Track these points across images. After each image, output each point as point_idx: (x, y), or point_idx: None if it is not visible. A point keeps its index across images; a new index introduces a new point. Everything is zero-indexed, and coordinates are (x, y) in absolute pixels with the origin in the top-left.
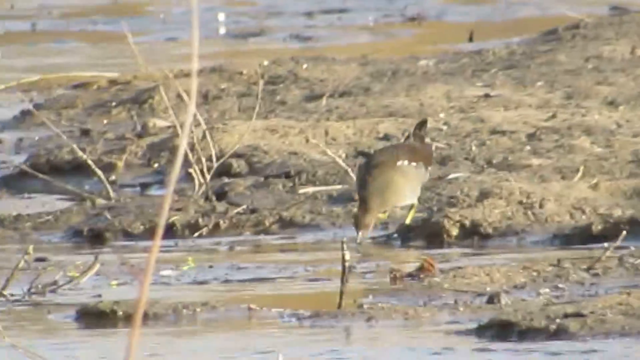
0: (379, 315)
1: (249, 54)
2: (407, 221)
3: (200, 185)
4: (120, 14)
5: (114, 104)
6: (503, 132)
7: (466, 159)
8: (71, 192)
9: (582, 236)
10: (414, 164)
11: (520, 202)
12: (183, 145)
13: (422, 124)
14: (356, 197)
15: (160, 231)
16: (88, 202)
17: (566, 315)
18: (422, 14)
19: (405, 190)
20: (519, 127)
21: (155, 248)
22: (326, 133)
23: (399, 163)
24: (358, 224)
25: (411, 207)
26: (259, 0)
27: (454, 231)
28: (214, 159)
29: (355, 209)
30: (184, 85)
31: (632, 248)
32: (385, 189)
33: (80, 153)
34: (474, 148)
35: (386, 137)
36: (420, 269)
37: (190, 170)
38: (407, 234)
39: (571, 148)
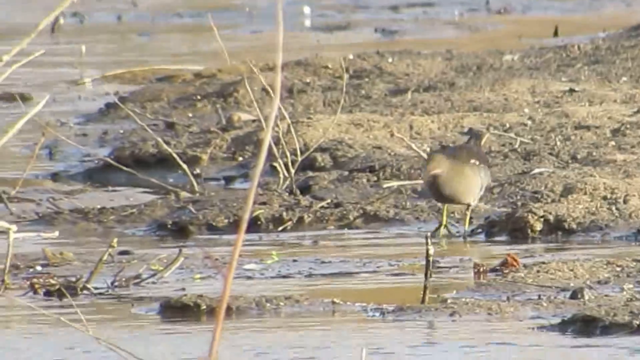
0: (462, 310)
1: (334, 47)
2: (466, 226)
3: (285, 179)
4: (206, 7)
5: (198, 97)
6: (587, 127)
7: (550, 154)
8: (155, 185)
9: None
10: (482, 165)
11: (605, 198)
12: (267, 138)
13: (479, 136)
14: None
15: (244, 225)
16: (172, 195)
17: None
18: (508, 8)
19: (472, 187)
20: (604, 122)
21: (239, 242)
22: (410, 127)
23: (472, 161)
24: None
25: (468, 207)
26: None
27: (538, 226)
28: (299, 153)
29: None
30: (269, 78)
31: None
32: (456, 182)
33: (164, 146)
34: (558, 143)
35: (470, 132)
36: (504, 264)
37: (275, 164)
38: (491, 229)
39: None
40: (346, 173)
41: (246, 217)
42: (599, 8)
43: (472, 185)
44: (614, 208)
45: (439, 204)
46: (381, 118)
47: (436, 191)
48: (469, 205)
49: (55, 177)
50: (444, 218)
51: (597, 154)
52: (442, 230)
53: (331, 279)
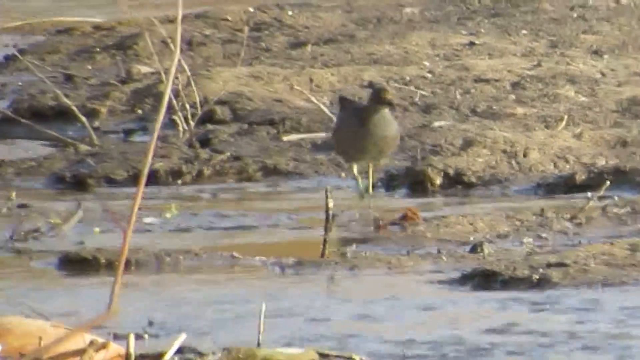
0: (362, 264)
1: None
2: (371, 184)
3: (184, 132)
4: None
5: (98, 49)
6: (487, 81)
7: (450, 107)
8: (54, 138)
9: (565, 185)
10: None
11: (504, 151)
12: (167, 92)
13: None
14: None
15: (143, 179)
16: (71, 148)
17: (549, 265)
18: None
19: (396, 141)
20: (504, 76)
21: (139, 196)
22: (311, 80)
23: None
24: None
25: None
26: None
27: (438, 180)
28: (198, 106)
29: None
30: (169, 31)
31: (616, 198)
32: (391, 126)
33: (63, 99)
34: (458, 96)
35: (370, 85)
36: (404, 217)
37: (174, 117)
38: (391, 183)
39: (555, 97)
40: (246, 126)
41: (146, 171)
42: None
43: (398, 136)
44: (513, 162)
45: (349, 162)
46: (281, 71)
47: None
48: (380, 162)
49: None
50: (357, 176)
51: (497, 107)
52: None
53: (231, 233)
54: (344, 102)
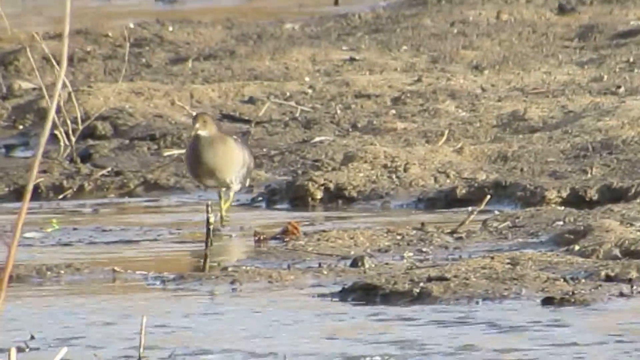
0: (243, 278)
1: (114, 15)
2: (224, 212)
3: (65, 147)
4: None
5: None
6: (368, 96)
7: (331, 122)
8: None
9: (446, 200)
10: (246, 147)
11: (385, 166)
12: (53, 107)
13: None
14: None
15: (28, 194)
16: None
17: (430, 279)
18: None
19: (234, 160)
20: (384, 91)
21: (24, 211)
22: (191, 96)
23: (235, 137)
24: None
25: (229, 189)
26: None
27: (319, 194)
28: (79, 121)
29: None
30: (50, 47)
31: (496, 212)
32: (219, 150)
33: None
34: (339, 111)
35: (251, 101)
36: (285, 232)
37: (56, 132)
38: (272, 197)
39: (436, 112)
40: (127, 141)
41: (31, 185)
42: None
43: (235, 158)
44: (394, 176)
45: (205, 186)
46: (162, 87)
47: (196, 157)
48: (229, 186)
49: None
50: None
51: (377, 122)
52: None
53: (112, 247)
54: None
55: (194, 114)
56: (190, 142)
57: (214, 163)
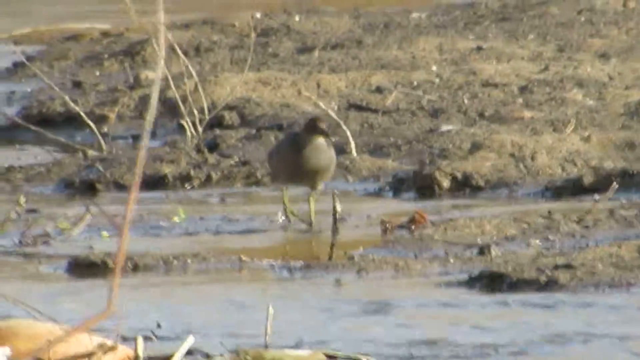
0: (369, 267)
1: (241, 5)
2: (313, 217)
3: (192, 137)
4: None
5: (106, 56)
6: (495, 85)
7: (458, 111)
8: (63, 144)
9: (573, 188)
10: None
11: (512, 155)
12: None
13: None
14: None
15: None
16: (80, 153)
17: (556, 267)
18: None
19: (332, 167)
20: (511, 80)
21: (133, 199)
22: (318, 85)
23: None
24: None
25: (313, 193)
26: None
27: (446, 183)
28: (206, 111)
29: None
30: (176, 37)
31: (623, 200)
32: (325, 154)
33: (72, 105)
34: (465, 101)
35: (378, 90)
36: (412, 221)
37: (182, 122)
38: (399, 186)
39: (563, 101)
40: (254, 131)
41: (138, 175)
42: None
43: (332, 165)
44: (521, 165)
45: (283, 186)
46: (289, 76)
47: (305, 160)
48: (316, 187)
49: None
50: (287, 202)
51: (504, 111)
52: (291, 217)
53: (239, 237)
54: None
55: (312, 116)
56: (298, 145)
57: (318, 168)
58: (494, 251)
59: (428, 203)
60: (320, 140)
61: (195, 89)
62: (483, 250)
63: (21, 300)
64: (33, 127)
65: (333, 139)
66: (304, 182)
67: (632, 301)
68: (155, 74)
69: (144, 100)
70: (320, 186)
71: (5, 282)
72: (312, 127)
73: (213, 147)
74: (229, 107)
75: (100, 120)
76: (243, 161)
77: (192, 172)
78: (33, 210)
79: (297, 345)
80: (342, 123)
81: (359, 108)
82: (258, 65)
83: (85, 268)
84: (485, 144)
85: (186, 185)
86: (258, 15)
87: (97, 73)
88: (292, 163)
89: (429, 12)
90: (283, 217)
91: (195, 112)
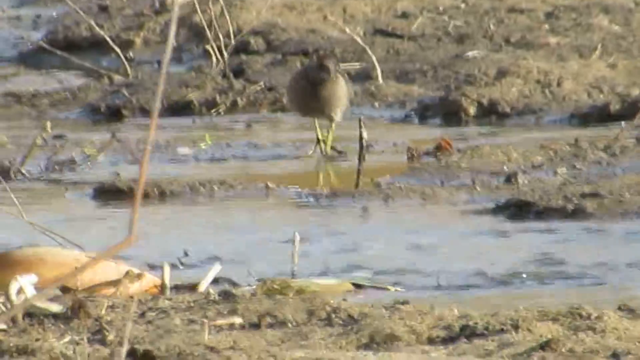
0: (396, 195)
1: None
2: (328, 147)
3: (218, 62)
4: None
5: None
6: (521, 11)
7: (484, 37)
8: (89, 68)
9: (599, 115)
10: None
11: (538, 81)
12: (174, 18)
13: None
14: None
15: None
16: (106, 78)
17: (584, 195)
18: None
19: (344, 98)
20: (537, 6)
21: (153, 126)
22: (344, 10)
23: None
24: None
25: (332, 122)
26: None
27: (472, 110)
28: (232, 36)
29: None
30: None
31: None
32: (337, 86)
33: (98, 29)
34: (491, 26)
35: (404, 15)
36: (438, 148)
37: (208, 47)
38: (424, 113)
39: (589, 27)
40: (280, 56)
41: (158, 102)
42: None
43: (345, 96)
44: (547, 91)
45: (307, 117)
46: (314, 1)
47: (312, 94)
48: (332, 119)
49: None
50: (319, 133)
51: (530, 37)
52: (323, 147)
53: (265, 163)
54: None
55: (325, 55)
56: (310, 78)
57: (328, 101)
58: (521, 179)
59: (454, 130)
60: (332, 72)
61: (221, 13)
62: (510, 178)
63: (47, 227)
64: (58, 52)
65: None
66: (318, 116)
67: None
68: None
69: (170, 25)
70: (337, 117)
71: (31, 209)
72: (320, 64)
73: (239, 72)
74: (255, 32)
75: (126, 45)
76: (269, 87)
77: (217, 98)
78: (59, 136)
79: (324, 274)
80: (367, 49)
81: (385, 34)
82: None
83: (111, 194)
84: (511, 70)
85: (212, 111)
86: None
87: None
88: (304, 97)
89: None
90: (316, 148)
91: (221, 37)
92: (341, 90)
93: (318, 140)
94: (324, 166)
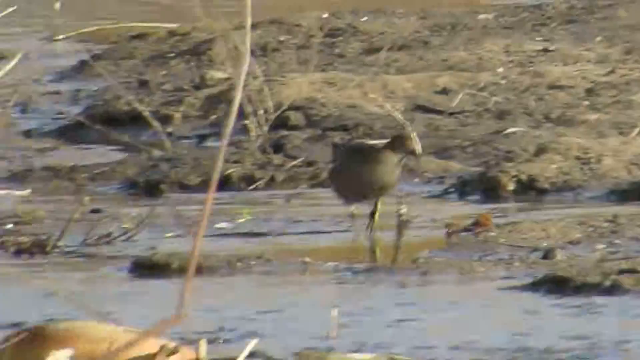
0: (434, 270)
1: (309, 5)
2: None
3: (257, 137)
4: None
5: (172, 55)
6: (561, 87)
7: (524, 113)
8: (128, 143)
9: (638, 192)
10: None
11: (577, 158)
12: (238, 96)
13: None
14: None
15: (214, 183)
16: (144, 153)
17: (621, 272)
18: None
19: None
20: (577, 82)
21: (209, 201)
22: (384, 86)
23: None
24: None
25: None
26: None
27: (511, 186)
28: (272, 111)
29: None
30: (242, 37)
31: None
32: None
33: (137, 104)
34: (532, 103)
35: (444, 91)
36: (476, 223)
37: (247, 122)
38: (464, 188)
39: (629, 103)
40: (319, 132)
41: (216, 176)
42: None
43: (395, 185)
44: (586, 168)
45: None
46: (355, 77)
47: (378, 175)
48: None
49: (27, 134)
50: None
51: (570, 113)
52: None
53: (303, 238)
54: (337, 147)
55: (399, 133)
56: (369, 157)
57: (390, 180)
58: (559, 255)
59: (493, 205)
60: (390, 154)
61: (261, 89)
62: (548, 254)
63: (84, 301)
64: (98, 126)
65: (418, 157)
66: (370, 197)
67: None
68: (223, 74)
69: (210, 100)
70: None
71: (68, 283)
72: (399, 144)
73: (278, 147)
74: (295, 108)
75: (166, 119)
76: (308, 162)
77: (256, 173)
78: (97, 210)
79: (360, 349)
80: (407, 124)
81: (425, 109)
82: (324, 65)
83: (148, 269)
84: (551, 147)
85: (251, 186)
86: (325, 15)
87: (163, 72)
88: (359, 179)
89: (496, 13)
90: (368, 230)
91: (261, 112)
92: (398, 175)
93: (372, 215)
94: (362, 241)
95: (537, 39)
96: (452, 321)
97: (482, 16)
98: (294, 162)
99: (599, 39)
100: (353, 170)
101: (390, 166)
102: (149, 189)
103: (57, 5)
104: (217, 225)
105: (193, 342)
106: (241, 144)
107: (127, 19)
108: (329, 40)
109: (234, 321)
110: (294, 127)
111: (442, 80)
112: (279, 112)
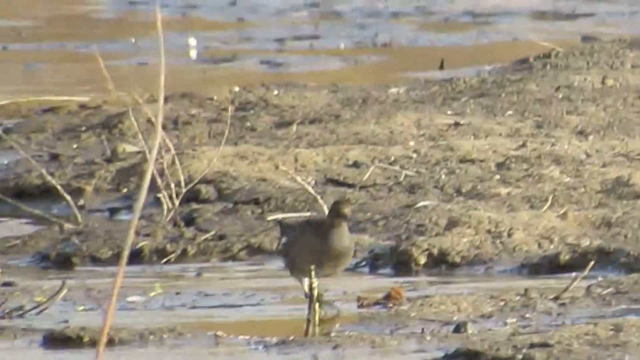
0: (346, 343)
1: (221, 79)
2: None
3: (169, 210)
4: (92, 37)
5: (83, 128)
6: (472, 161)
7: (435, 187)
8: (39, 216)
9: (549, 266)
10: None
11: (489, 231)
12: (150, 170)
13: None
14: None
15: (125, 257)
16: (56, 226)
17: (532, 345)
18: (393, 42)
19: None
20: (489, 156)
21: (120, 274)
22: (296, 160)
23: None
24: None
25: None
26: (230, 26)
27: (422, 259)
28: (183, 185)
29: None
30: (154, 110)
31: (600, 278)
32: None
33: (49, 177)
34: (443, 176)
35: (355, 165)
36: (388, 297)
37: (159, 195)
38: (375, 262)
39: (540, 177)
40: (231, 205)
41: (127, 249)
42: (485, 41)
43: (352, 252)
44: (498, 242)
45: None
46: (266, 150)
47: (332, 244)
48: (337, 275)
49: None
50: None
51: (481, 187)
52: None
53: (215, 312)
54: (285, 225)
55: (343, 198)
56: (324, 229)
57: (346, 252)
58: (471, 328)
59: (405, 279)
60: (344, 224)
61: (172, 162)
62: (459, 328)
63: None
64: (9, 200)
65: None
66: (328, 269)
67: None
68: (134, 148)
69: (121, 173)
70: (341, 273)
71: None
72: (336, 211)
73: (190, 221)
74: (206, 181)
75: (77, 193)
76: (219, 235)
77: (168, 246)
78: (9, 284)
79: None
80: (319, 198)
81: (336, 183)
82: (236, 139)
83: (60, 342)
84: (462, 220)
85: (163, 259)
86: (237, 88)
87: (75, 145)
88: (319, 252)
89: (407, 87)
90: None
91: (172, 185)
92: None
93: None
94: (273, 315)
95: (448, 112)
96: None
97: (393, 90)
98: (205, 236)
99: (510, 112)
100: (312, 240)
101: (346, 231)
102: (61, 263)
103: None
104: (129, 299)
105: None
106: (153, 217)
107: (38, 92)
108: (240, 114)
109: None
110: (206, 201)
111: (353, 153)
112: (190, 185)
